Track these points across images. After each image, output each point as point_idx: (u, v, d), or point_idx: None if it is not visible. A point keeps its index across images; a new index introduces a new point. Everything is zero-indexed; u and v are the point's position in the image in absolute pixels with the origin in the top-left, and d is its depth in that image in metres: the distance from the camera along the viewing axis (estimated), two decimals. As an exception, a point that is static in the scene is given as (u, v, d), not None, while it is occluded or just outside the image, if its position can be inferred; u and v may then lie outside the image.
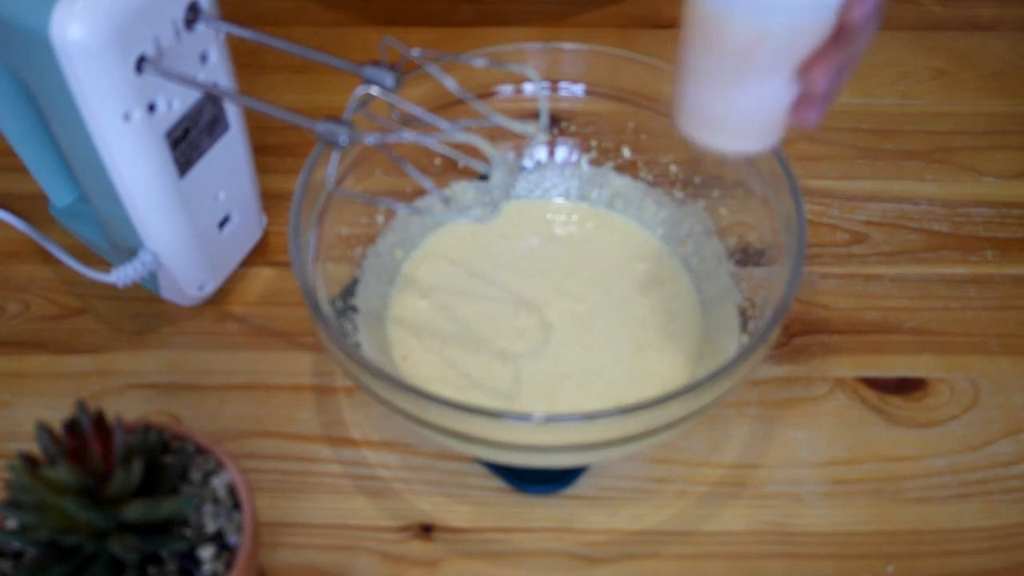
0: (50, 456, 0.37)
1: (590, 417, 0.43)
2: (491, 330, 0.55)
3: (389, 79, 0.43)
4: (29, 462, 0.37)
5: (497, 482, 0.52)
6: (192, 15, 0.45)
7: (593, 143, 0.61)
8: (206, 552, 0.40)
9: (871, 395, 0.55)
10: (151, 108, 0.45)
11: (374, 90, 0.43)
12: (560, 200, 0.61)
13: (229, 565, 0.40)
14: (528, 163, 0.62)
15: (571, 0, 0.79)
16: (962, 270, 0.61)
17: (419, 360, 0.54)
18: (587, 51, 0.57)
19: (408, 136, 0.42)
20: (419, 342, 0.54)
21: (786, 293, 0.46)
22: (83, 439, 0.38)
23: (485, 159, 0.41)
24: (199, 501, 0.41)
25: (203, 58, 0.47)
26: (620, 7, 0.79)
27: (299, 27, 0.78)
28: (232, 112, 0.51)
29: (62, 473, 0.36)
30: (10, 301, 0.60)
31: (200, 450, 0.43)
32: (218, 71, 0.48)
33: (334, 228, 0.53)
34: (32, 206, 0.62)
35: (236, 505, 0.42)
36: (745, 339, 0.52)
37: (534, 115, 0.58)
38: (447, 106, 0.54)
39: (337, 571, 0.49)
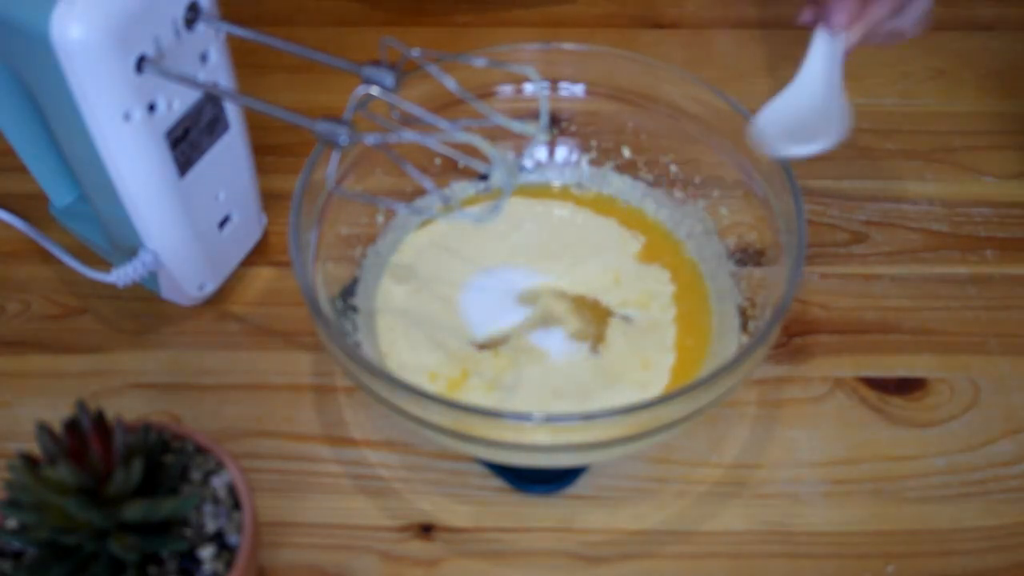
0: (50, 456, 0.37)
1: (590, 417, 0.43)
2: (485, 319, 0.55)
3: (389, 79, 0.42)
4: (29, 462, 0.37)
5: (497, 482, 0.52)
6: (192, 15, 0.45)
7: (593, 143, 0.61)
8: (206, 552, 0.40)
9: (871, 395, 0.55)
10: (151, 108, 0.45)
11: (374, 90, 0.43)
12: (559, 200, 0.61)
13: (229, 565, 0.40)
14: (528, 163, 0.62)
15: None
16: (962, 270, 0.61)
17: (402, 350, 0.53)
18: (587, 51, 0.57)
19: (408, 136, 0.42)
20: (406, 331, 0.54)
21: (786, 293, 0.46)
22: (83, 439, 0.38)
23: (485, 159, 0.41)
24: (199, 501, 0.41)
25: (203, 58, 0.47)
26: (620, 7, 0.79)
27: (299, 27, 0.78)
28: (232, 112, 0.51)
29: (62, 473, 0.36)
30: (10, 301, 0.60)
31: (200, 450, 0.43)
32: (218, 71, 0.48)
33: (334, 228, 0.53)
34: (32, 206, 0.62)
35: (236, 505, 0.42)
36: (745, 339, 0.52)
37: (534, 115, 0.58)
38: (447, 106, 0.54)
39: (337, 571, 0.49)
